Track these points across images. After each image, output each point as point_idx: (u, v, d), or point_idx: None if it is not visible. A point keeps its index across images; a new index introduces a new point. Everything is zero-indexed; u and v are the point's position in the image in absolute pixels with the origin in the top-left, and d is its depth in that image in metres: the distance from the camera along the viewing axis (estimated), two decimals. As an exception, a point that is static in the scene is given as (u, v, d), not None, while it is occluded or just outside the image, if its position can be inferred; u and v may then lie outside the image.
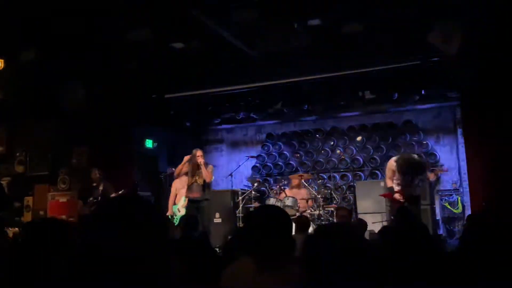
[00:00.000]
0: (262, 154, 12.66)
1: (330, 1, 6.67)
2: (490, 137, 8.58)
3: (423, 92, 9.52)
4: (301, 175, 10.24)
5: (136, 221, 1.47)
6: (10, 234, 7.85)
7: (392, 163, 8.20)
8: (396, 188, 8.03)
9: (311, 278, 1.75)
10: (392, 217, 7.89)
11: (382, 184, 9.77)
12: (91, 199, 9.12)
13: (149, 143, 11.01)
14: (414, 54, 8.32)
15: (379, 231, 3.17)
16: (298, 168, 12.18)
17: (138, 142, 10.74)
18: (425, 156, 10.85)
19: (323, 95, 10.04)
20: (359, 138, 11.85)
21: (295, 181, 10.07)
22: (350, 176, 11.73)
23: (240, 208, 10.17)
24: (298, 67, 8.76)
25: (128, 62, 8.24)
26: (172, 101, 10.67)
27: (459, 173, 10.81)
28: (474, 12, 6.68)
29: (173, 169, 11.28)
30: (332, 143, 12.11)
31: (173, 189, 9.24)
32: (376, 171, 11.46)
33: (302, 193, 9.83)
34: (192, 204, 8.35)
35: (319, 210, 9.52)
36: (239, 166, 11.74)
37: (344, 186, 11.70)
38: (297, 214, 8.82)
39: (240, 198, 10.44)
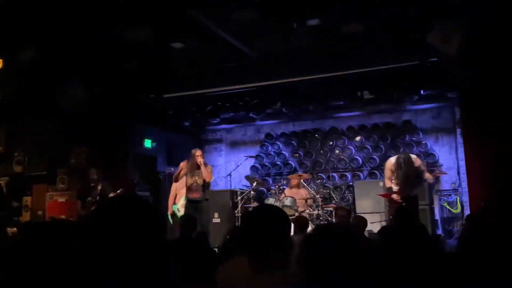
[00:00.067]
0: (261, 154, 12.66)
1: (329, 1, 6.66)
2: (489, 137, 8.58)
3: (422, 92, 9.52)
4: (300, 175, 10.25)
5: (135, 221, 1.47)
6: (9, 234, 7.85)
7: (390, 163, 8.21)
8: (395, 188, 8.04)
9: (309, 279, 1.75)
10: (390, 217, 7.91)
11: (381, 184, 9.79)
12: (89, 199, 9.12)
13: (148, 143, 11.01)
14: (413, 54, 8.33)
15: (379, 231, 3.17)
16: (297, 168, 12.19)
17: (137, 142, 10.74)
18: (424, 156, 10.86)
19: (322, 95, 10.04)
20: (358, 138, 11.86)
21: (294, 181, 10.07)
22: (349, 176, 11.74)
23: (239, 208, 10.17)
24: (297, 67, 8.77)
25: (127, 62, 8.24)
26: (171, 101, 10.67)
27: (458, 173, 10.82)
28: (473, 12, 6.68)
29: (172, 169, 11.30)
30: (331, 143, 12.12)
31: (173, 189, 9.24)
32: (375, 171, 11.46)
33: (301, 193, 9.83)
34: (191, 204, 8.34)
35: (318, 210, 9.53)
36: (238, 166, 11.74)
37: (343, 186, 11.70)
38: (296, 214, 8.82)
39: (239, 198, 10.44)
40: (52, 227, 1.92)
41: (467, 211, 9.71)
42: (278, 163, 12.48)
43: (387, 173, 8.24)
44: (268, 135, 12.67)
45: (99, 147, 10.17)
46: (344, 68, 8.88)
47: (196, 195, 8.34)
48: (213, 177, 9.39)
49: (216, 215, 10.41)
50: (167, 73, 9.21)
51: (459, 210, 10.35)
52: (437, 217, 10.32)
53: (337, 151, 12.00)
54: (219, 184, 12.46)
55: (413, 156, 8.29)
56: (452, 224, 10.23)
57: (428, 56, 8.31)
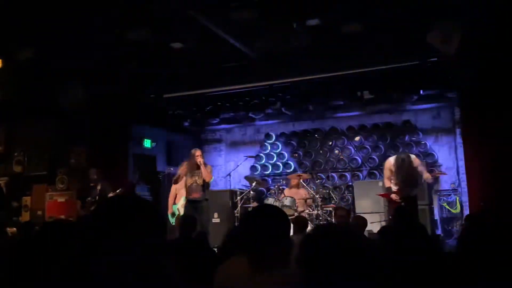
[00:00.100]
0: (261, 154, 12.66)
1: (329, 1, 6.67)
2: (488, 137, 8.59)
3: (421, 92, 9.52)
4: (299, 175, 10.25)
5: (135, 221, 1.47)
6: (9, 234, 7.84)
7: (390, 163, 8.22)
8: (394, 188, 8.05)
9: (308, 279, 1.75)
10: (390, 217, 7.91)
11: (380, 184, 9.79)
12: (89, 199, 9.11)
13: (147, 143, 11.01)
14: (413, 54, 8.33)
15: (379, 231, 3.17)
16: (297, 168, 12.20)
17: (136, 142, 10.74)
18: (423, 156, 10.86)
19: (322, 95, 10.05)
20: (357, 138, 11.86)
21: (294, 181, 10.08)
22: (349, 176, 11.74)
23: (239, 208, 10.16)
24: (297, 67, 8.77)
25: (127, 62, 8.24)
26: (171, 101, 10.67)
27: (458, 173, 10.82)
28: (473, 12, 6.68)
29: (172, 169, 11.30)
30: (330, 143, 12.12)
31: (173, 189, 9.24)
32: (375, 171, 11.47)
33: (301, 193, 9.84)
34: (191, 204, 8.34)
35: (318, 210, 9.53)
36: (238, 166, 11.74)
37: (342, 186, 11.71)
38: (295, 214, 8.83)
39: (238, 198, 10.44)
40: (52, 227, 1.92)
41: (466, 211, 9.71)
42: (278, 163, 12.49)
43: (386, 173, 8.24)
44: (267, 135, 12.67)
45: (99, 147, 10.17)
46: (344, 68, 8.88)
47: (196, 195, 8.34)
48: (213, 177, 9.38)
49: (215, 215, 10.41)
50: (167, 73, 9.21)
51: (458, 210, 10.36)
52: (437, 217, 10.32)
53: (336, 151, 12.00)
54: (219, 184, 12.46)
55: (413, 156, 8.30)
56: (452, 224, 10.23)
57: (428, 56, 8.31)
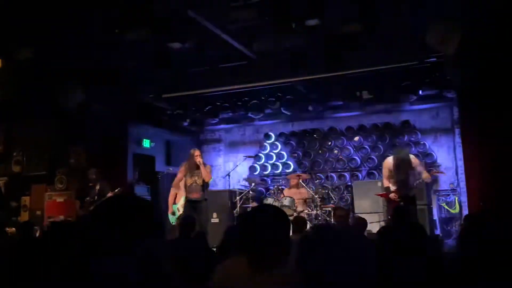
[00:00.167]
0: (260, 154, 12.66)
1: (328, 1, 6.67)
2: (487, 137, 8.59)
3: (420, 93, 9.53)
4: (298, 175, 10.26)
5: (134, 221, 1.47)
6: (8, 234, 7.84)
7: (388, 162, 8.23)
8: (393, 188, 8.06)
9: (306, 279, 1.75)
10: (389, 217, 7.92)
11: (379, 184, 9.80)
12: (88, 199, 9.11)
13: (146, 143, 11.01)
14: (412, 54, 8.33)
15: (378, 232, 3.17)
16: (296, 168, 12.20)
17: (135, 142, 10.73)
18: (422, 156, 10.87)
19: (321, 95, 10.05)
20: (356, 138, 11.87)
21: (293, 181, 10.08)
22: (348, 176, 11.75)
23: (238, 208, 10.17)
24: (296, 67, 8.76)
25: (126, 61, 8.23)
26: (170, 101, 10.67)
27: (457, 173, 10.83)
28: (472, 12, 6.69)
29: (171, 169, 11.30)
30: (329, 143, 12.13)
31: (173, 189, 9.23)
32: (374, 171, 11.48)
33: (300, 193, 9.85)
34: (190, 204, 8.34)
35: (317, 210, 9.54)
36: (237, 166, 11.75)
37: (341, 186, 11.71)
38: (295, 214, 8.84)
39: (237, 198, 10.44)
40: (58, 227, 1.91)
41: (465, 211, 9.72)
42: (277, 163, 12.49)
43: (385, 172, 8.25)
44: (267, 135, 12.67)
45: (98, 147, 10.17)
46: (343, 68, 8.88)
47: (195, 195, 8.34)
48: (212, 177, 9.39)
49: (214, 215, 10.41)
50: (166, 73, 9.20)
51: (457, 210, 10.37)
52: (436, 217, 10.33)
53: (335, 151, 12.01)
54: (218, 184, 12.46)
55: (412, 156, 8.31)
56: (451, 224, 10.24)
57: (426, 57, 8.31)
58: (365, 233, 7.29)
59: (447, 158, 11.16)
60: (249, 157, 11.86)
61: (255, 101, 10.38)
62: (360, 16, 6.88)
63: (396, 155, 8.24)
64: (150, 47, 7.65)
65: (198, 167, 8.37)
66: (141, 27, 6.88)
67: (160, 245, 1.54)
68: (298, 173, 10.92)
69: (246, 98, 10.47)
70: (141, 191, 10.30)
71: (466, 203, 9.50)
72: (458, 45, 6.89)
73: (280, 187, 10.28)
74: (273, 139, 12.65)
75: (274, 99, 10.27)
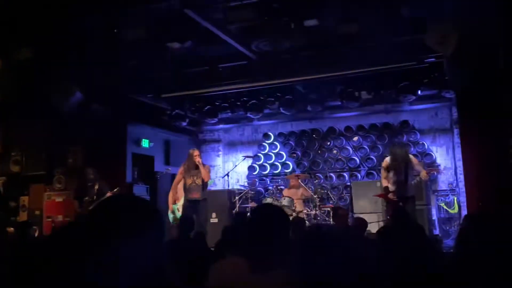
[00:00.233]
0: (259, 154, 12.66)
1: (327, 1, 6.67)
2: (486, 137, 8.59)
3: (419, 93, 9.54)
4: (298, 175, 10.26)
5: (133, 220, 1.46)
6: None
7: (387, 162, 8.24)
8: (391, 188, 8.06)
9: (306, 280, 1.75)
10: (388, 217, 7.93)
11: (378, 184, 9.81)
12: (86, 198, 9.09)
13: (145, 143, 11.00)
14: (411, 54, 8.33)
15: (377, 232, 3.17)
16: (295, 168, 12.20)
17: (134, 142, 10.73)
18: (421, 156, 10.88)
19: (320, 96, 10.05)
20: (355, 138, 11.88)
21: (292, 181, 10.09)
22: (347, 176, 11.75)
23: (237, 208, 10.16)
24: (295, 67, 8.76)
25: (125, 61, 8.23)
26: (169, 101, 10.67)
27: (455, 173, 10.84)
28: (471, 12, 6.69)
29: (170, 169, 11.30)
30: (328, 143, 12.14)
31: (172, 190, 9.23)
32: (373, 171, 11.49)
33: (300, 193, 9.85)
34: (189, 204, 8.34)
35: (316, 210, 9.54)
36: (236, 166, 11.75)
37: (340, 186, 11.72)
38: (294, 214, 8.84)
39: (236, 198, 10.44)
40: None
41: (464, 211, 9.72)
42: (276, 163, 12.49)
43: (384, 172, 8.26)
44: (266, 135, 12.67)
45: (96, 147, 10.15)
46: (342, 69, 8.88)
47: (195, 195, 8.34)
48: (211, 178, 9.38)
49: (213, 215, 10.41)
50: (164, 72, 9.20)
51: (456, 210, 10.38)
52: (435, 217, 10.35)
53: (334, 151, 12.02)
54: (217, 184, 12.47)
55: (411, 156, 8.32)
56: (450, 224, 10.25)
57: (425, 57, 8.32)
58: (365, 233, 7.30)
59: (446, 158, 11.17)
60: (248, 157, 11.86)
61: (254, 101, 10.37)
62: (358, 16, 6.88)
63: (393, 151, 8.27)
64: (149, 46, 7.64)
65: (197, 167, 8.37)
66: (139, 27, 6.88)
67: (160, 245, 1.53)
68: (297, 173, 10.93)
69: (245, 98, 10.47)
70: (140, 191, 10.29)
71: (465, 203, 9.51)
72: (456, 45, 6.89)
73: (279, 187, 10.29)
74: (272, 139, 12.66)
75: (273, 99, 10.27)
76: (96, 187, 8.99)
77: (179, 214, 8.63)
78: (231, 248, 3.82)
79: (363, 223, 6.54)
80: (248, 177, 12.53)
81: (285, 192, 9.99)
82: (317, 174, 11.88)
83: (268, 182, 12.31)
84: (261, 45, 7.83)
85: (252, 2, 6.43)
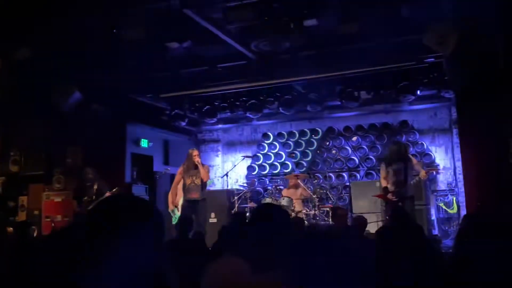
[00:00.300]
0: (258, 154, 12.66)
1: (327, 1, 6.67)
2: (485, 137, 8.59)
3: (418, 93, 9.54)
4: (296, 175, 10.26)
5: (133, 220, 1.46)
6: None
7: (386, 156, 8.28)
8: (390, 188, 8.07)
9: (305, 280, 1.75)
10: (387, 217, 7.93)
11: (377, 184, 9.81)
12: (85, 198, 9.09)
13: (144, 143, 11.00)
14: (410, 54, 8.34)
15: (376, 232, 3.17)
16: (294, 168, 12.21)
17: (133, 142, 10.73)
18: (420, 156, 10.89)
19: (319, 95, 10.05)
20: (354, 138, 11.89)
21: (292, 181, 10.09)
22: (346, 176, 11.76)
23: (236, 208, 10.16)
24: (294, 67, 8.77)
25: (124, 61, 8.22)
26: (168, 101, 10.66)
27: (454, 174, 10.85)
28: (470, 12, 6.69)
29: (169, 168, 11.29)
30: (328, 143, 12.15)
31: (172, 191, 9.22)
32: (372, 171, 11.49)
33: (299, 193, 9.85)
34: (188, 204, 8.34)
35: (315, 210, 9.55)
36: (235, 166, 11.75)
37: (339, 186, 11.73)
38: (293, 214, 8.84)
39: (235, 198, 10.44)
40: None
41: (463, 211, 9.73)
42: (275, 163, 12.49)
43: (383, 172, 8.26)
44: (265, 135, 12.68)
45: (95, 146, 10.14)
46: (341, 69, 8.88)
47: (194, 195, 8.34)
48: (210, 178, 9.38)
49: (212, 215, 10.40)
50: (164, 72, 9.20)
51: (455, 210, 10.39)
52: (434, 217, 10.35)
53: (333, 151, 12.02)
54: (216, 184, 12.47)
55: (410, 156, 8.33)
56: (449, 224, 10.26)
57: (425, 57, 8.32)
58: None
59: (445, 158, 11.18)
60: (247, 157, 11.86)
61: (254, 101, 10.37)
62: (358, 16, 6.88)
63: (392, 147, 8.29)
64: (148, 46, 7.64)
65: (196, 167, 8.37)
66: (138, 26, 6.88)
67: (160, 245, 1.53)
68: (296, 173, 10.93)
69: (244, 98, 10.47)
70: (139, 191, 10.28)
71: (464, 203, 9.52)
72: (456, 45, 6.90)
73: (278, 187, 10.28)
74: (271, 139, 12.66)
75: (272, 99, 10.27)
76: (95, 187, 8.99)
77: (178, 214, 8.63)
78: (228, 248, 3.82)
79: (363, 222, 6.54)
80: (247, 177, 12.54)
81: (284, 192, 9.99)
82: (316, 174, 11.88)
83: (267, 182, 12.31)
84: (260, 45, 7.83)
85: (252, 2, 6.42)
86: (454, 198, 10.45)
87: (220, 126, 12.51)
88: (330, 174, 11.81)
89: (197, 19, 6.80)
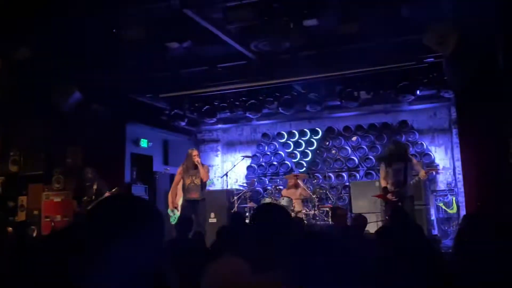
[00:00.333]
0: (258, 154, 12.66)
1: (327, 1, 6.67)
2: (485, 137, 8.60)
3: (418, 93, 9.54)
4: (296, 175, 10.26)
5: (133, 220, 1.46)
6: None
7: (385, 155, 8.28)
8: (390, 188, 8.07)
9: (305, 280, 1.75)
10: (386, 217, 7.93)
11: (377, 184, 9.82)
12: (85, 198, 9.09)
13: (144, 143, 11.00)
14: (410, 54, 8.34)
15: (376, 232, 3.17)
16: (294, 168, 12.21)
17: (133, 142, 10.73)
18: (420, 156, 10.89)
19: (319, 95, 10.06)
20: (354, 138, 11.89)
21: (291, 181, 10.09)
22: (346, 176, 11.76)
23: (236, 208, 10.17)
24: (294, 67, 8.77)
25: (124, 61, 8.22)
26: (168, 101, 10.66)
27: (454, 174, 10.85)
28: (470, 12, 6.69)
29: (168, 168, 11.29)
30: (327, 143, 12.15)
31: (171, 191, 9.22)
32: (371, 171, 11.50)
33: (299, 193, 9.85)
34: (188, 204, 8.34)
35: (315, 210, 9.55)
36: (234, 166, 11.75)
37: (339, 186, 11.73)
38: (292, 214, 8.84)
39: (235, 198, 10.44)
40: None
41: (463, 211, 9.73)
42: (275, 163, 12.49)
43: (382, 173, 8.27)
44: (264, 135, 12.68)
45: (95, 146, 10.14)
46: (341, 68, 8.88)
47: (194, 195, 8.34)
48: (209, 178, 9.37)
49: (212, 215, 10.41)
50: (163, 72, 9.20)
51: (455, 210, 10.39)
52: (433, 217, 10.35)
53: (333, 151, 12.03)
54: (216, 184, 12.47)
55: (409, 156, 8.33)
56: (448, 224, 10.26)
57: (424, 57, 8.32)
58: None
59: (445, 158, 11.19)
60: (247, 157, 11.86)
61: (253, 101, 10.37)
62: (358, 16, 6.88)
63: (391, 147, 8.29)
64: (147, 46, 7.64)
65: (196, 167, 8.37)
66: (138, 26, 6.87)
67: (160, 245, 1.53)
68: (296, 173, 10.93)
69: (244, 98, 10.47)
70: (139, 190, 10.29)
71: (464, 203, 9.52)
72: (455, 45, 6.90)
73: (277, 187, 10.28)
74: (271, 139, 12.66)
75: (272, 99, 10.27)
76: (95, 187, 8.98)
77: (178, 214, 8.62)
78: (228, 248, 3.81)
79: (363, 221, 6.54)
80: (246, 177, 12.54)
81: (284, 192, 9.99)
82: (316, 174, 11.89)
83: (267, 182, 12.32)
84: (260, 45, 7.83)
85: (252, 2, 6.42)
86: (454, 198, 10.46)
87: (219, 126, 12.50)
88: (330, 174, 11.81)
89: (197, 19, 6.79)
